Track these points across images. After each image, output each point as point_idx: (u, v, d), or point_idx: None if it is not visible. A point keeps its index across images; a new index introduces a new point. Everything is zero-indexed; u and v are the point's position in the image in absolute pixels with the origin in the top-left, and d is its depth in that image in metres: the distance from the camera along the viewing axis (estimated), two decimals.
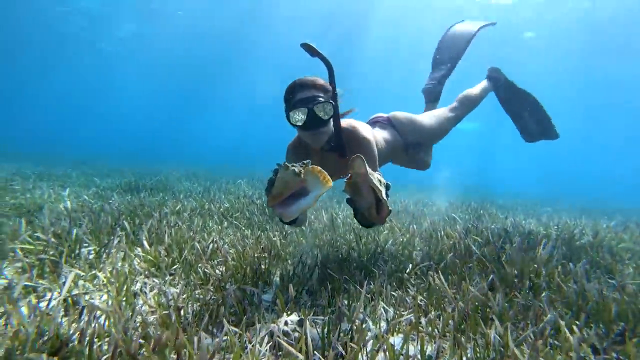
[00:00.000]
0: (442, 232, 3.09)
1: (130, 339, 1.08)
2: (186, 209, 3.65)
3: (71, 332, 1.21)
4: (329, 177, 1.54)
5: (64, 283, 1.63)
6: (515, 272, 2.02)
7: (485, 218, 4.79)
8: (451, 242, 2.70)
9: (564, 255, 2.57)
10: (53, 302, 1.47)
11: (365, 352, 1.21)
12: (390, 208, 1.67)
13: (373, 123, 2.95)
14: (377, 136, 2.56)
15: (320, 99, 1.97)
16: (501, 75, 3.72)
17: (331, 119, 2.05)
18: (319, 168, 1.53)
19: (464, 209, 5.75)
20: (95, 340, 1.14)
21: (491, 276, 1.96)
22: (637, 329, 1.51)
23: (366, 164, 1.56)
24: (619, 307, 1.60)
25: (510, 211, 6.16)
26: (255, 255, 2.16)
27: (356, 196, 1.70)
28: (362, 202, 1.70)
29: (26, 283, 1.56)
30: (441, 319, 1.54)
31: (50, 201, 3.71)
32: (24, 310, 1.34)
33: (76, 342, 1.11)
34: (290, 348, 1.13)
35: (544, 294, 1.76)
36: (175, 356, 1.06)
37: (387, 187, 1.72)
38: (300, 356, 1.08)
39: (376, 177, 1.65)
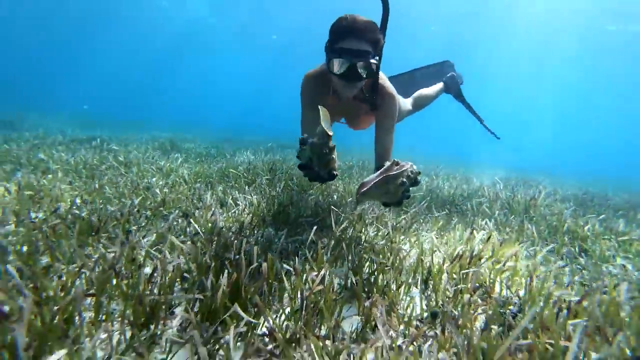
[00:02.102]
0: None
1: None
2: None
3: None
4: None
5: (263, 192, 3.23)
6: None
7: None
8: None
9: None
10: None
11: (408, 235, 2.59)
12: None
13: None
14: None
15: (369, 55, 1.84)
16: (454, 85, 3.78)
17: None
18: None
19: None
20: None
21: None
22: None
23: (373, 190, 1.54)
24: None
25: None
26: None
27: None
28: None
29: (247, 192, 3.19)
30: (458, 226, 2.83)
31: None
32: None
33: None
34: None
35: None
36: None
37: (414, 182, 1.61)
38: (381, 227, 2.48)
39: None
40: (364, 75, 1.89)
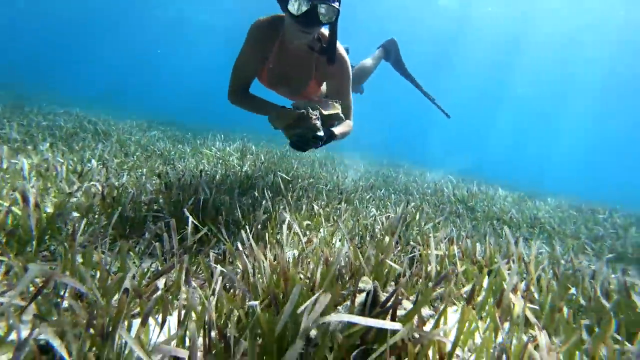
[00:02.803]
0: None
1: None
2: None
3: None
4: None
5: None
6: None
7: None
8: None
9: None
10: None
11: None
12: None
13: None
14: None
15: None
16: (394, 48, 3.73)
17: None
18: None
19: None
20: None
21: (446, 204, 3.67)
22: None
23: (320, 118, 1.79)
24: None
25: None
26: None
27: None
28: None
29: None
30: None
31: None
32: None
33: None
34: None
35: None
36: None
37: (316, 137, 1.77)
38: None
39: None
40: (324, 20, 1.80)
